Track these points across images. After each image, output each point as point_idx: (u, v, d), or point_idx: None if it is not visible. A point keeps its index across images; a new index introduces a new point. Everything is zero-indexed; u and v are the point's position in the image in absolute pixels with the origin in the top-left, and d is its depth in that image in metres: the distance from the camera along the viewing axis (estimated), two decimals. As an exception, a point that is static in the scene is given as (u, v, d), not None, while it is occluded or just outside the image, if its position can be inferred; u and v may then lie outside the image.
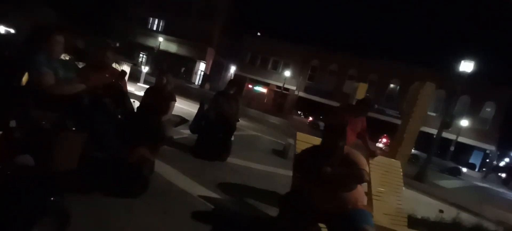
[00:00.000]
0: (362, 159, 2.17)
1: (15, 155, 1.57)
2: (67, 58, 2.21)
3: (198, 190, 3.15)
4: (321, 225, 2.45)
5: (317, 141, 2.99)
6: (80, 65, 4.00)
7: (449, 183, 12.36)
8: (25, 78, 1.62)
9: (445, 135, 12.31)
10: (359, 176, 2.09)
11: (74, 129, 1.76)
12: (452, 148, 21.22)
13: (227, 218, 2.79)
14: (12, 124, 1.52)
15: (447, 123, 9.63)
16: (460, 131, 20.60)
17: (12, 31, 5.88)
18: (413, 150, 12.98)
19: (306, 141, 2.98)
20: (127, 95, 2.74)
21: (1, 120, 1.54)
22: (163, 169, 3.42)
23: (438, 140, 9.92)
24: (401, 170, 3.31)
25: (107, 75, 2.77)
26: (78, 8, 6.96)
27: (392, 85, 26.37)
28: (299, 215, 2.15)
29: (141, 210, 2.38)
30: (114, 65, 8.50)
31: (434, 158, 12.75)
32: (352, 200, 2.08)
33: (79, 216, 1.94)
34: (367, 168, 2.17)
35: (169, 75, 3.68)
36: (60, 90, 1.88)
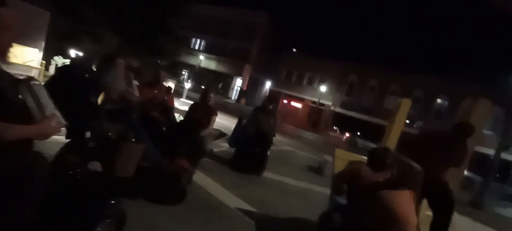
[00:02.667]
0: (407, 166, 2.11)
1: (87, 161, 1.85)
2: (129, 75, 2.57)
3: (235, 202, 3.26)
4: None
5: (356, 157, 2.94)
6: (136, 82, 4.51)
7: (511, 211, 10.75)
8: (101, 98, 1.93)
9: (506, 157, 10.86)
10: (416, 169, 2.03)
11: (134, 140, 2.01)
12: (515, 173, 18.50)
13: (263, 231, 2.83)
14: (87, 134, 1.81)
15: (506, 145, 8.53)
16: (525, 154, 17.94)
17: (81, 54, 6.89)
18: (466, 172, 11.59)
19: (346, 158, 2.94)
20: (172, 110, 3.00)
21: (79, 131, 1.84)
22: (204, 180, 3.62)
23: (497, 162, 8.81)
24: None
25: (157, 92, 3.10)
26: (135, 32, 7.90)
27: (439, 101, 24.28)
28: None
29: (185, 218, 2.56)
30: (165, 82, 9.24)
31: (493, 183, 11.23)
32: (398, 221, 1.96)
33: (130, 219, 2.17)
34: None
35: (212, 91, 3.95)
36: (123, 98, 2.20)
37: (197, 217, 2.67)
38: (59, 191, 1.96)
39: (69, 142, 2.17)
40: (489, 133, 18.44)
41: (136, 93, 2.64)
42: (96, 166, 1.85)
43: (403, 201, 2.07)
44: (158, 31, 8.33)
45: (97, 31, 7.05)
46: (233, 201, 3.29)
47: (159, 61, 9.39)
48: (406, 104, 6.21)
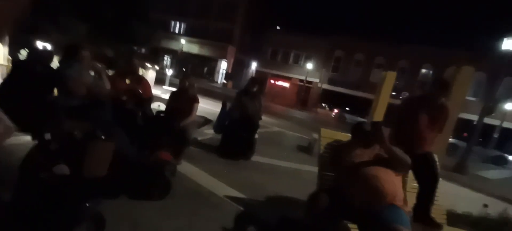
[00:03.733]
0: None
1: (52, 166, 1.68)
2: (98, 66, 2.35)
3: (224, 190, 3.18)
4: (351, 225, 2.36)
5: (342, 136, 2.89)
6: (110, 73, 4.23)
7: (493, 173, 11.35)
8: (57, 94, 1.73)
9: (487, 120, 11.28)
10: (405, 161, 2.01)
11: (103, 137, 1.85)
12: (496, 135, 19.49)
13: (254, 218, 2.79)
14: (47, 136, 1.63)
15: (490, 108, 8.80)
16: (505, 116, 18.81)
17: (48, 46, 6.41)
18: (451, 139, 12.06)
19: (331, 137, 2.87)
20: (148, 101, 2.82)
21: (37, 134, 1.66)
22: (190, 170, 3.50)
23: (480, 127, 9.12)
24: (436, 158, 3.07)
25: (130, 82, 2.89)
26: (107, 19, 7.38)
27: (424, 71, 24.75)
28: (328, 214, 2.07)
29: (172, 211, 2.45)
30: (141, 71, 8.81)
31: (475, 147, 11.74)
32: (388, 195, 1.94)
33: (113, 219, 2.05)
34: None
35: (191, 77, 3.75)
36: (90, 93, 2.01)
37: (185, 209, 2.57)
38: (30, 196, 1.81)
39: (36, 143, 1.99)
40: (472, 99, 19.12)
41: (107, 85, 2.43)
42: (62, 169, 1.69)
43: (390, 176, 2.04)
44: (130, 16, 7.83)
45: (63, 20, 6.53)
46: (222, 189, 3.21)
47: (135, 48, 8.93)
48: (391, 77, 6.21)
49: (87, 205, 1.85)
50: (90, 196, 1.86)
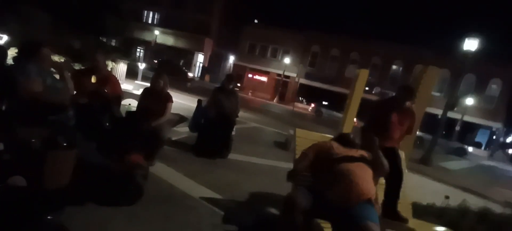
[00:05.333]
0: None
1: (6, 177, 1.53)
2: (60, 65, 2.16)
3: (200, 191, 3.12)
4: (324, 224, 2.42)
5: (317, 136, 2.94)
6: (76, 66, 3.94)
7: (454, 164, 12.30)
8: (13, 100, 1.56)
9: (450, 114, 12.19)
10: (387, 168, 2.11)
11: (65, 144, 1.71)
12: (457, 128, 21.10)
13: (229, 219, 2.77)
14: (0, 147, 1.48)
15: (452, 104, 9.49)
16: (465, 110, 20.41)
17: (6, 37, 5.81)
18: (417, 132, 12.88)
19: (306, 137, 2.92)
20: (116, 100, 2.66)
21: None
22: (164, 171, 3.39)
23: (443, 121, 9.81)
24: (402, 155, 3.24)
25: (95, 81, 2.70)
26: (73, 9, 6.83)
27: (394, 67, 26.05)
28: (305, 215, 2.10)
29: (142, 217, 2.35)
30: (111, 64, 8.24)
31: (439, 139, 12.69)
32: (365, 193, 2.02)
33: (78, 228, 1.93)
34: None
35: (164, 75, 3.59)
36: (48, 99, 1.84)
37: (158, 213, 2.48)
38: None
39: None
40: (437, 94, 20.52)
41: (70, 86, 2.25)
42: (18, 181, 1.55)
43: (368, 174, 2.13)
44: (99, 4, 7.29)
45: (25, 9, 5.89)
46: (197, 190, 3.14)
47: (105, 40, 8.37)
48: (364, 75, 6.45)
49: (49, 217, 1.72)
50: (52, 208, 1.73)
